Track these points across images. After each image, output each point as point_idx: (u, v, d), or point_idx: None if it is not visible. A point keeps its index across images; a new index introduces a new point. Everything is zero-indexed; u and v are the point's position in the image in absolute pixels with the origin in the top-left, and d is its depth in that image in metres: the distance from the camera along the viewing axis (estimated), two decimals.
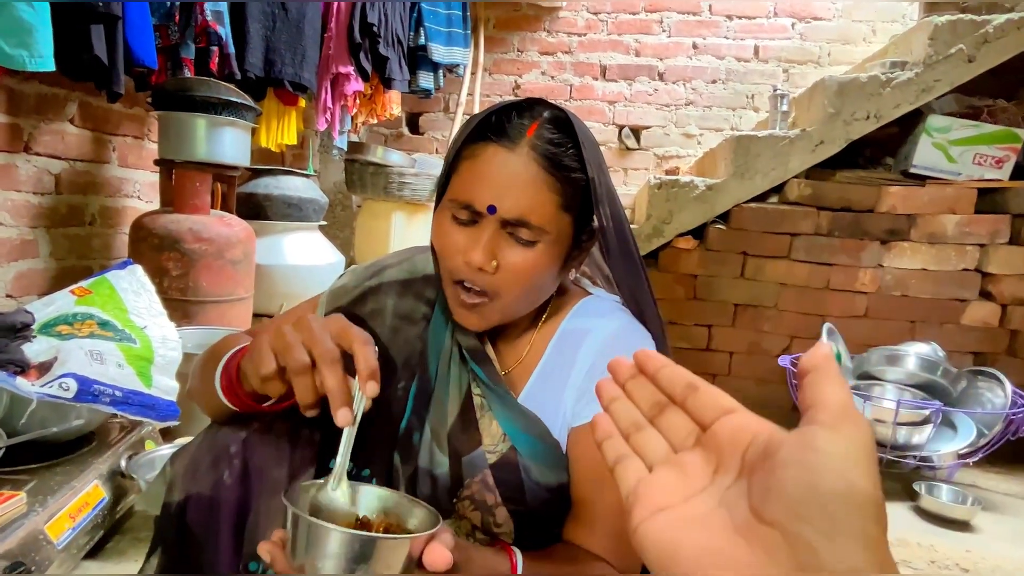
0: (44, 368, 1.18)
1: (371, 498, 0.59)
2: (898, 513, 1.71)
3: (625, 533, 0.71)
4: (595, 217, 0.74)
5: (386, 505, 0.58)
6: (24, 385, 1.08)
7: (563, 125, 0.71)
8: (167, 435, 1.54)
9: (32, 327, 1.28)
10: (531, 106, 0.72)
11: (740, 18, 3.12)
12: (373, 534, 0.51)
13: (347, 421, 0.56)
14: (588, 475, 0.73)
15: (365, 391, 0.57)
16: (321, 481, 0.58)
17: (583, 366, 0.74)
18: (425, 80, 2.94)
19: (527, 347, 0.79)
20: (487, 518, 0.74)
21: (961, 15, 2.11)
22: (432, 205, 0.77)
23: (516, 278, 0.70)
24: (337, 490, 0.57)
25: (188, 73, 1.97)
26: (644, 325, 0.79)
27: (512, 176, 0.68)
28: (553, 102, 0.74)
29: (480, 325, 0.73)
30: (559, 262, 0.73)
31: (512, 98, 0.74)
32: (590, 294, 0.82)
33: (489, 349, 0.79)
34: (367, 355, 0.57)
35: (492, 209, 0.68)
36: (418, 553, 0.52)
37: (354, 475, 0.76)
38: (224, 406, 0.67)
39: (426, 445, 0.76)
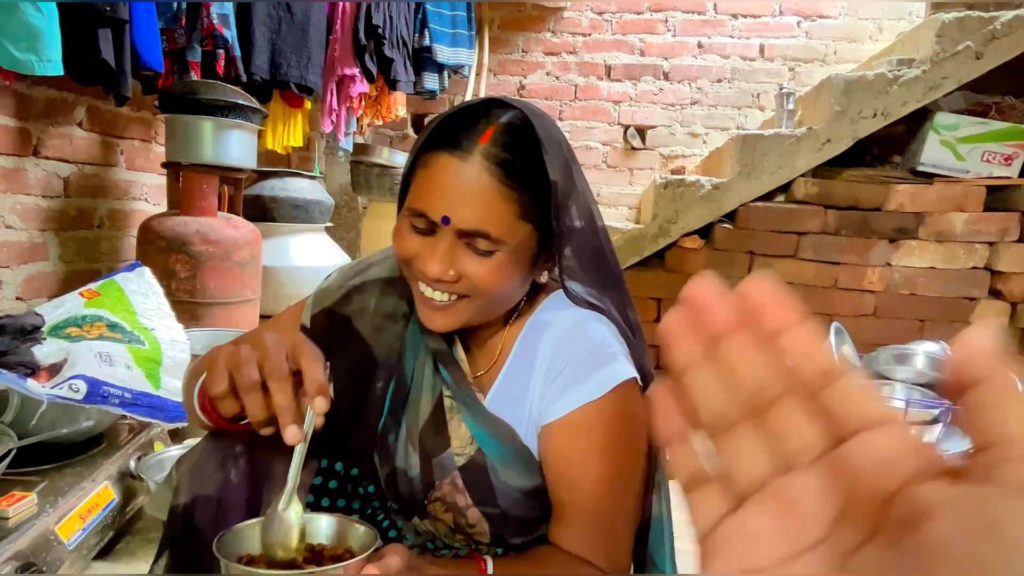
0: (54, 370, 1.19)
1: (314, 525, 0.59)
2: None
3: (606, 531, 0.71)
4: (557, 223, 0.70)
5: (329, 530, 0.58)
6: (34, 387, 1.09)
7: (521, 128, 0.68)
8: (176, 436, 1.55)
9: (42, 329, 1.29)
10: (487, 110, 0.68)
11: (745, 17, 3.11)
12: (303, 571, 0.51)
13: (296, 439, 0.55)
14: (562, 475, 0.71)
15: (314, 407, 0.56)
16: (254, 521, 0.58)
17: (543, 363, 0.72)
18: (430, 81, 2.95)
19: (498, 347, 0.77)
20: (459, 519, 0.74)
21: (968, 11, 2.10)
22: None
23: (477, 287, 0.68)
24: (288, 510, 0.56)
25: (194, 76, 1.98)
26: (609, 314, 0.76)
27: (465, 187, 0.65)
28: (512, 101, 0.70)
29: (446, 327, 0.71)
30: (524, 268, 0.71)
31: (472, 99, 0.72)
32: (564, 287, 0.80)
33: (459, 351, 0.77)
34: (314, 371, 0.57)
35: (446, 220, 0.66)
36: (358, 573, 0.52)
37: (344, 475, 0.77)
38: (204, 422, 0.68)
39: (401, 445, 0.76)
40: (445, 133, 0.67)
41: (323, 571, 0.51)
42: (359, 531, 0.57)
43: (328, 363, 0.61)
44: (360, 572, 0.51)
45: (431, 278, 0.67)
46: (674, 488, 0.84)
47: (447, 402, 0.76)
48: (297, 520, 0.56)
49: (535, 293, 0.79)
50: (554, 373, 0.71)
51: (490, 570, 0.66)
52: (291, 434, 0.55)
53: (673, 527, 0.81)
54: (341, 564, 0.51)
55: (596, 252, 0.74)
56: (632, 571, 0.77)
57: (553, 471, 0.72)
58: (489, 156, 0.65)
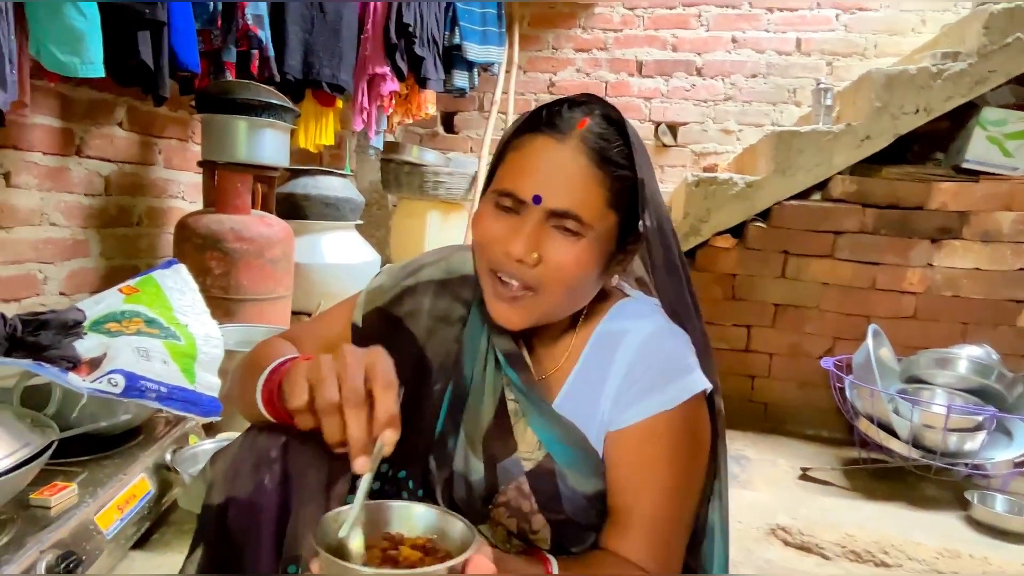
0: (94, 364, 1.22)
1: (406, 516, 0.58)
2: (949, 523, 1.64)
3: (663, 540, 0.70)
4: (640, 219, 0.72)
5: (422, 523, 0.58)
6: (76, 380, 1.12)
7: (615, 123, 0.70)
8: (210, 430, 1.58)
9: (83, 324, 1.33)
10: (584, 101, 0.71)
11: (781, 10, 3.04)
12: (406, 571, 0.51)
13: (363, 470, 0.55)
14: (626, 481, 0.71)
15: (383, 439, 0.56)
16: (347, 507, 0.57)
17: (620, 370, 0.72)
18: (460, 79, 2.95)
19: (565, 352, 0.77)
20: (523, 525, 0.73)
21: (1019, 2, 2.01)
22: (466, 205, 0.77)
23: (557, 273, 0.68)
24: (348, 536, 0.55)
25: (230, 76, 2.01)
26: (686, 325, 0.76)
27: (560, 167, 0.67)
28: (605, 100, 0.73)
29: (518, 323, 0.71)
30: (602, 263, 0.71)
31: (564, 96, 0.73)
32: (628, 296, 0.80)
33: (525, 354, 0.77)
34: (387, 401, 0.57)
35: (537, 199, 0.66)
36: (460, 571, 0.51)
37: (391, 477, 0.77)
38: (262, 416, 0.68)
39: (461, 450, 0.75)
40: (542, 118, 0.69)
41: (428, 571, 0.50)
42: (457, 526, 0.56)
43: (402, 388, 0.60)
44: (469, 564, 0.51)
45: (514, 257, 0.67)
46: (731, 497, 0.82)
47: (511, 406, 0.75)
48: (357, 546, 0.55)
49: (600, 301, 0.78)
50: (630, 381, 0.71)
51: (555, 569, 0.66)
52: (360, 464, 0.55)
53: (728, 537, 0.81)
54: (448, 563, 0.50)
55: (670, 255, 0.75)
56: None
57: (617, 477, 0.72)
58: (586, 140, 0.67)
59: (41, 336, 1.21)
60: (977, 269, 2.12)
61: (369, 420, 0.56)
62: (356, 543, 0.55)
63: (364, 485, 0.56)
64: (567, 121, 0.68)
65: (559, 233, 0.67)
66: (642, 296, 0.82)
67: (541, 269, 0.68)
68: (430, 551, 0.55)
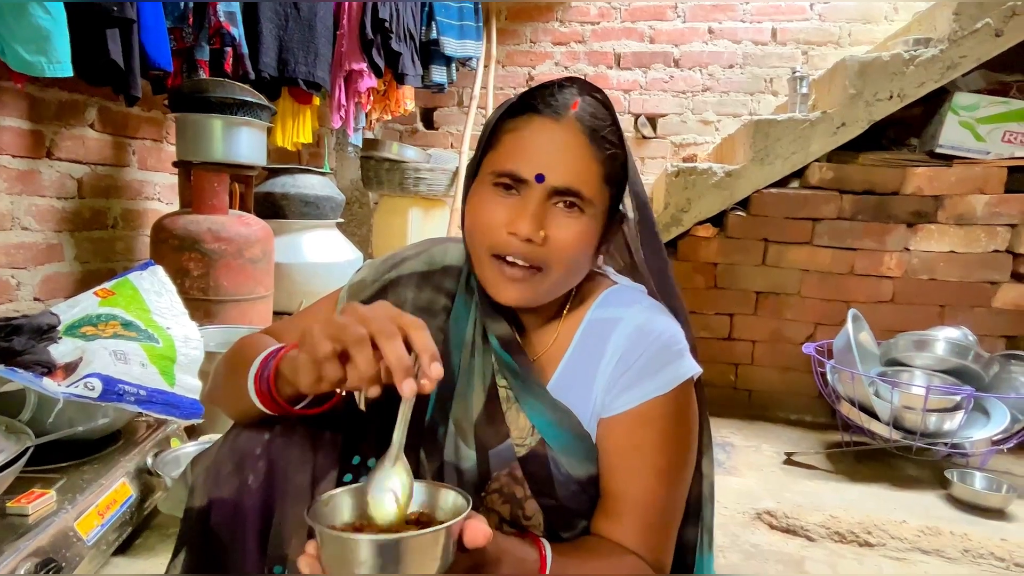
0: (70, 369, 1.19)
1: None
2: (929, 501, 1.67)
3: (656, 525, 0.70)
4: (629, 195, 0.75)
5: (414, 499, 0.57)
6: (51, 385, 1.10)
7: (602, 103, 0.72)
8: (192, 433, 1.56)
9: (58, 329, 1.30)
10: (572, 83, 0.72)
11: (757, 0, 3.06)
12: (401, 535, 0.50)
13: (413, 392, 0.53)
14: (619, 467, 0.72)
15: (429, 374, 0.53)
16: (340, 490, 0.57)
17: (613, 357, 0.73)
18: (438, 75, 2.94)
19: (552, 337, 0.77)
20: (516, 511, 0.73)
21: None
22: (448, 200, 0.77)
23: (564, 250, 0.68)
24: (395, 467, 0.55)
25: (203, 75, 1.98)
26: (672, 309, 0.77)
27: (560, 145, 0.68)
28: (590, 83, 0.75)
29: (523, 300, 0.71)
30: (599, 238, 0.72)
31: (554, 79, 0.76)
32: (615, 283, 0.81)
33: (518, 338, 0.77)
34: (425, 338, 0.55)
35: (540, 178, 0.67)
36: (456, 536, 0.51)
37: None
38: (252, 409, 0.67)
39: (451, 439, 0.75)
40: (531, 101, 0.70)
41: (422, 533, 0.50)
42: (449, 496, 0.57)
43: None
44: (465, 527, 0.52)
45: (522, 237, 0.67)
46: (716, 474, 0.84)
47: (502, 392, 0.75)
48: (404, 476, 0.55)
49: (588, 286, 0.79)
50: (623, 367, 0.72)
51: (549, 559, 0.66)
52: (408, 387, 0.52)
53: (714, 509, 0.83)
54: (444, 525, 0.50)
55: (653, 228, 0.78)
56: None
57: (611, 462, 0.72)
58: (581, 119, 0.69)
59: (14, 341, 1.18)
60: (952, 252, 2.16)
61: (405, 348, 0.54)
62: (402, 472, 0.55)
63: (404, 414, 0.55)
64: (561, 102, 0.69)
65: (561, 211, 0.69)
66: (628, 282, 0.82)
67: (548, 247, 0.68)
68: (424, 524, 0.55)
